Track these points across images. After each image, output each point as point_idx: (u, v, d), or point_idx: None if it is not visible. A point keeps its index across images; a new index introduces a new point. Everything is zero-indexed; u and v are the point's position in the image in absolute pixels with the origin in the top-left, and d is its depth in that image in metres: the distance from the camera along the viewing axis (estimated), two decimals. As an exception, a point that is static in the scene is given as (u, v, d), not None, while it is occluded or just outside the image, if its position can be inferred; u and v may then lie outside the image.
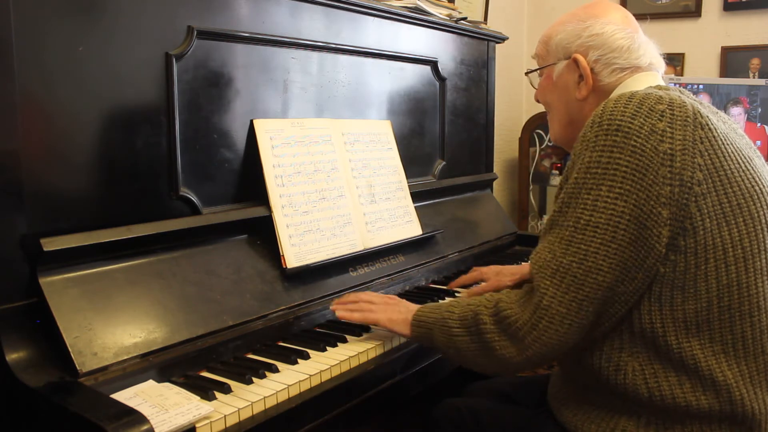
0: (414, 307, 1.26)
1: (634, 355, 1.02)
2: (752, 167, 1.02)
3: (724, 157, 0.98)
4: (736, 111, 2.99)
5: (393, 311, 1.28)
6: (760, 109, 2.99)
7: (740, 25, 3.27)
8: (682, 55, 3.40)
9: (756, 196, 1.00)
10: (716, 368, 0.99)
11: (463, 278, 1.70)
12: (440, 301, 1.32)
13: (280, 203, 1.44)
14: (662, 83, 1.16)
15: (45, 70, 1.09)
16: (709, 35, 3.34)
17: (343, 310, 1.34)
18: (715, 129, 0.99)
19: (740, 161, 1.00)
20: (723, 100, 2.98)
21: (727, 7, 3.28)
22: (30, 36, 1.06)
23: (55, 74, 1.10)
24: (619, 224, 0.96)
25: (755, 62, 3.26)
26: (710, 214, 0.96)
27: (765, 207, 1.01)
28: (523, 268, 1.66)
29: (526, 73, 1.36)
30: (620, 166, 0.96)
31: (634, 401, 1.03)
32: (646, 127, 0.96)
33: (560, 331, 0.99)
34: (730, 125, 1.09)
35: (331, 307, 1.35)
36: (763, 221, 1.00)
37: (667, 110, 0.98)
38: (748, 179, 1.00)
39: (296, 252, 1.43)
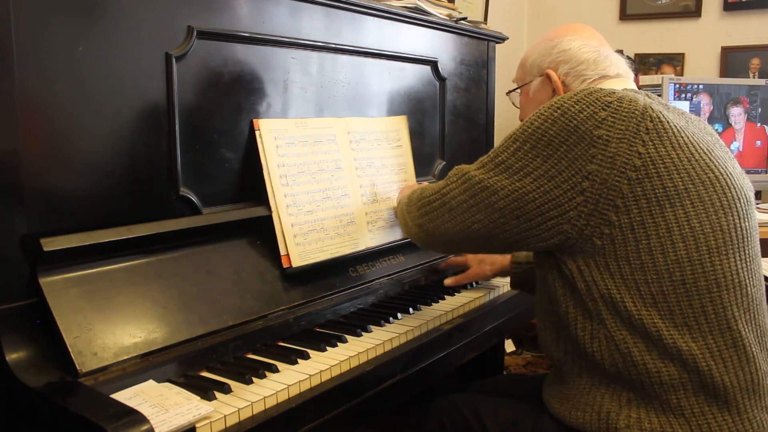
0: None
1: (602, 323, 1.08)
2: (710, 158, 1.08)
3: (673, 146, 1.05)
4: (736, 111, 2.99)
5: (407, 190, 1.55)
6: (760, 109, 2.99)
7: (740, 25, 3.27)
8: (682, 55, 3.40)
9: (709, 182, 1.06)
10: (679, 339, 1.04)
11: (452, 259, 1.81)
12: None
13: (285, 203, 1.44)
14: (629, 88, 1.23)
15: (45, 70, 1.09)
16: (709, 35, 3.34)
17: None
18: (667, 122, 1.06)
19: (693, 151, 1.06)
20: (723, 100, 2.98)
21: (727, 7, 3.28)
22: (30, 36, 1.06)
23: (55, 74, 1.10)
24: (531, 173, 1.07)
25: (755, 62, 3.26)
26: (648, 196, 1.03)
27: (720, 191, 1.07)
28: (504, 258, 1.71)
29: (507, 93, 1.49)
30: (547, 133, 1.07)
31: (613, 375, 1.09)
32: (585, 113, 1.05)
33: (445, 219, 1.20)
34: (697, 125, 1.17)
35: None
36: (717, 204, 1.06)
37: (615, 102, 1.06)
38: (699, 167, 1.06)
39: (301, 251, 1.43)
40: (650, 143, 1.03)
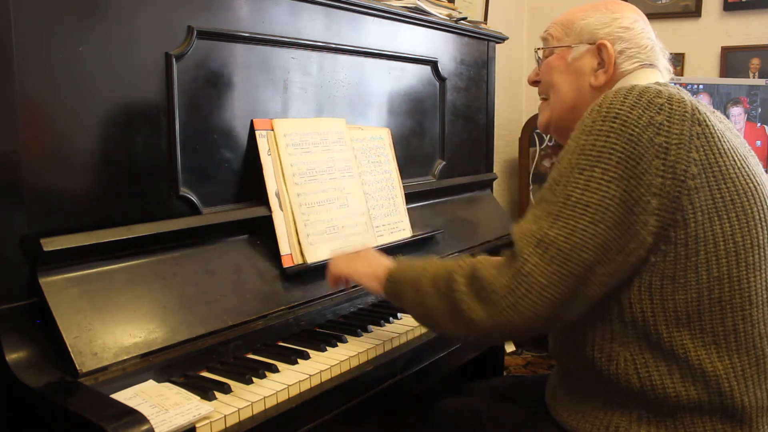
0: (385, 262, 1.25)
1: (625, 345, 1.03)
2: (747, 165, 1.03)
3: (720, 153, 0.99)
4: (736, 111, 2.99)
5: (361, 263, 1.29)
6: (760, 109, 2.99)
7: (740, 25, 3.27)
8: (682, 55, 3.40)
9: (750, 193, 1.01)
10: (706, 359, 1.00)
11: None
12: (416, 260, 1.24)
13: (298, 202, 1.45)
14: (662, 82, 1.17)
15: (45, 70, 1.09)
16: (709, 35, 3.34)
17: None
18: (713, 126, 1.00)
19: (735, 159, 1.01)
20: (723, 100, 2.98)
21: (727, 7, 3.28)
22: (30, 36, 1.06)
23: (55, 74, 1.10)
24: (609, 206, 0.96)
25: (755, 62, 3.26)
26: (702, 208, 0.97)
27: (759, 204, 1.02)
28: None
29: (536, 50, 1.34)
30: (615, 151, 0.97)
31: (628, 393, 1.05)
32: (644, 119, 0.97)
33: (537, 303, 0.97)
34: (727, 125, 1.11)
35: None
36: (757, 217, 1.01)
37: (666, 104, 0.99)
38: (742, 176, 1.01)
39: (314, 250, 1.46)
40: (701, 149, 0.97)
